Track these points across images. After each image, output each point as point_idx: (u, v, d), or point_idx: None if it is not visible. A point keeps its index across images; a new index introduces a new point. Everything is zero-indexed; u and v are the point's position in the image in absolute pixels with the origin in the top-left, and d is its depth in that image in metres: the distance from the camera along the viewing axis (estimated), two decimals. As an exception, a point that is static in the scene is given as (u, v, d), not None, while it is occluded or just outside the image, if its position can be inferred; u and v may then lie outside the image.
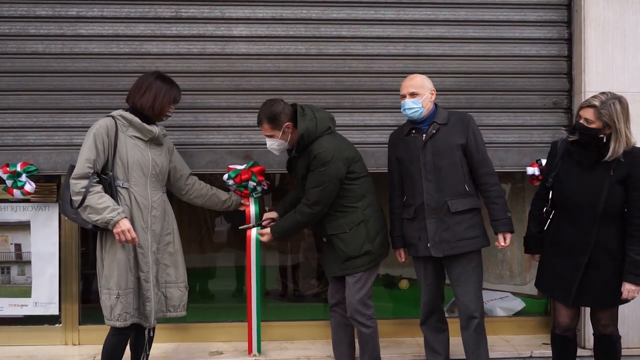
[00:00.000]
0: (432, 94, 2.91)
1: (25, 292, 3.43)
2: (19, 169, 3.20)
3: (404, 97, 2.89)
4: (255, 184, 3.25)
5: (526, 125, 3.54)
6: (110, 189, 2.69)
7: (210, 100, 3.42)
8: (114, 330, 2.75)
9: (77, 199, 2.63)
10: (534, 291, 3.82)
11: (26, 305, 3.42)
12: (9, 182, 3.21)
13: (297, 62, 3.45)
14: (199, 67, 3.40)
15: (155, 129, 2.81)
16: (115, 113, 2.78)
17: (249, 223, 3.27)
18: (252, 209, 3.28)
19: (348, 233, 2.89)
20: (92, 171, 2.65)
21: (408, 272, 4.33)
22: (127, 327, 2.72)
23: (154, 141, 2.83)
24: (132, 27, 3.38)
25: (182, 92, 3.33)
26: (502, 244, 2.87)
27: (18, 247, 3.44)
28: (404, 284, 4.38)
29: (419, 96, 2.86)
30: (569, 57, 3.56)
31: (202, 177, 3.26)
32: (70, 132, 3.33)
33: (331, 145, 2.86)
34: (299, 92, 3.43)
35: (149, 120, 2.81)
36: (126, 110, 2.81)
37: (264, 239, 3.06)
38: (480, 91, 3.53)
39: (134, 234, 2.65)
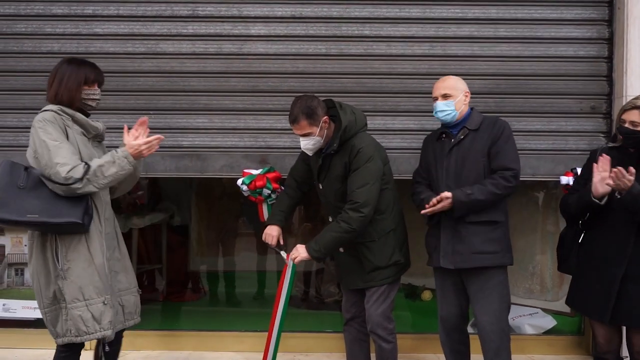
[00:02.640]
0: (466, 96, 2.71)
1: None
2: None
3: (435, 99, 2.71)
4: (269, 191, 3.13)
5: (561, 131, 3.31)
6: None
7: (226, 101, 3.31)
8: (63, 349, 2.44)
9: (78, 183, 2.28)
10: (566, 308, 3.58)
11: (39, 308, 3.37)
12: (21, 184, 3.16)
13: (316, 62, 3.31)
14: (215, 67, 3.31)
15: (99, 125, 2.51)
16: (55, 108, 2.37)
17: (263, 220, 3.15)
18: (265, 216, 3.16)
19: (377, 242, 2.69)
20: (83, 163, 2.31)
21: (431, 282, 4.14)
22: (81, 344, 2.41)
23: (97, 138, 2.53)
24: (148, 26, 3.31)
25: (198, 93, 3.31)
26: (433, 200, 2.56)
27: None
28: (426, 295, 4.19)
29: (452, 98, 2.67)
30: (610, 59, 3.31)
31: (216, 181, 3.15)
32: (85, 133, 3.27)
33: (371, 141, 2.71)
34: (319, 94, 3.18)
35: (85, 115, 2.49)
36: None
37: (297, 260, 2.70)
38: (511, 94, 3.31)
39: (151, 138, 2.40)
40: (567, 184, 3.20)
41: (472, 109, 2.75)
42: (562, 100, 3.31)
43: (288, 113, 3.24)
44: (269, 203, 3.18)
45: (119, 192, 2.64)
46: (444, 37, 3.31)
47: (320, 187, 2.80)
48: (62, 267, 2.36)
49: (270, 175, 3.16)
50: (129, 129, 2.43)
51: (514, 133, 3.18)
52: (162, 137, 2.46)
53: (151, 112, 3.28)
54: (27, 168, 2.35)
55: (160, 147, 3.23)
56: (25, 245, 3.40)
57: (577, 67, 3.31)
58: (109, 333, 2.41)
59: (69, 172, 2.27)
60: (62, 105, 2.40)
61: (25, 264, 3.42)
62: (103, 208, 2.46)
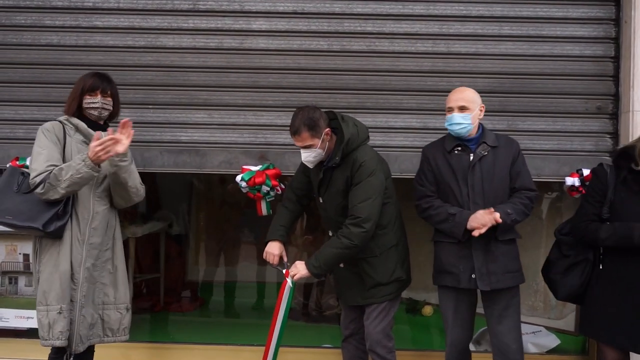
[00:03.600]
0: (481, 110, 2.64)
1: (31, 304, 3.20)
2: (28, 162, 3.11)
3: (450, 110, 2.61)
4: (268, 188, 3.08)
5: (566, 132, 3.24)
6: None
7: (226, 97, 3.26)
8: (52, 354, 2.49)
9: (40, 188, 2.35)
10: (570, 326, 3.50)
11: (32, 318, 3.27)
12: (18, 176, 3.13)
13: (318, 58, 3.26)
14: (216, 62, 3.26)
15: (100, 135, 2.50)
16: (61, 118, 2.54)
17: (261, 215, 3.10)
18: (264, 211, 3.11)
19: (379, 257, 2.61)
20: (52, 169, 2.39)
21: (433, 297, 4.08)
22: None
23: None
24: (149, 20, 3.27)
25: (197, 88, 3.27)
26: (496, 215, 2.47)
27: (26, 257, 3.34)
28: (427, 310, 4.12)
29: (469, 111, 2.58)
30: (616, 58, 3.24)
31: (215, 189, 3.09)
32: (83, 127, 3.23)
33: (374, 155, 2.63)
34: (320, 91, 3.25)
35: (100, 127, 2.56)
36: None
37: (297, 277, 2.60)
38: (515, 93, 3.25)
39: (105, 138, 2.35)
40: (573, 185, 3.15)
41: (481, 124, 2.67)
42: (567, 100, 3.25)
43: (288, 110, 3.24)
44: (268, 200, 3.14)
45: (120, 203, 2.61)
46: (448, 34, 3.26)
47: (321, 201, 2.71)
48: (38, 270, 2.45)
49: (270, 172, 3.11)
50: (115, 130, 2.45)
51: (519, 133, 3.18)
52: (117, 137, 2.39)
53: (150, 106, 3.25)
54: (24, 173, 2.50)
55: (159, 142, 3.28)
56: (20, 254, 3.36)
57: (583, 66, 3.25)
58: (57, 343, 2.40)
59: (34, 177, 2.38)
60: (71, 115, 2.52)
61: (18, 272, 3.38)
62: (89, 217, 2.48)
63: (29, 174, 2.45)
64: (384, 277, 2.62)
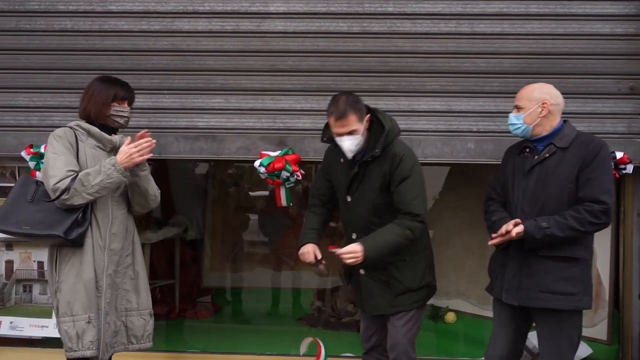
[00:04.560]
0: (543, 107, 2.35)
1: (46, 312, 3.25)
2: (42, 150, 3.06)
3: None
4: (288, 174, 2.98)
5: (597, 113, 3.11)
6: None
7: (243, 81, 3.18)
8: None
9: (64, 194, 2.28)
10: (602, 335, 3.33)
11: (47, 327, 3.24)
12: (31, 164, 3.08)
13: (338, 40, 3.16)
14: (232, 45, 3.17)
15: (115, 138, 2.48)
16: (72, 123, 2.45)
17: (280, 206, 3.01)
18: (283, 200, 3.03)
19: (408, 261, 2.47)
20: (74, 174, 2.32)
21: (455, 303, 3.94)
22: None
23: (115, 151, 2.46)
24: (163, 3, 3.19)
25: (214, 73, 3.20)
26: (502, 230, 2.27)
27: (41, 265, 3.28)
28: (450, 317, 3.94)
29: (523, 110, 2.39)
30: (649, 36, 3.11)
31: (229, 182, 2.98)
32: (97, 114, 3.16)
33: (409, 148, 2.50)
34: (340, 74, 3.16)
35: (112, 130, 2.49)
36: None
37: (352, 261, 2.34)
38: (544, 74, 3.10)
39: (141, 141, 2.35)
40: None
41: (564, 121, 2.40)
42: (598, 81, 3.11)
43: (308, 94, 3.18)
44: (287, 187, 3.05)
45: (138, 210, 2.57)
46: (472, 14, 3.14)
47: (349, 200, 2.51)
48: (58, 280, 2.38)
49: (290, 157, 3.02)
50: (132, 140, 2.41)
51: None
52: (154, 141, 2.40)
53: (165, 91, 3.17)
54: (37, 182, 2.44)
55: (175, 129, 3.20)
56: (34, 261, 3.31)
57: (614, 45, 3.11)
58: (88, 353, 2.35)
59: (56, 183, 2.30)
60: (88, 120, 2.45)
61: (32, 280, 3.33)
62: (109, 223, 2.43)
63: (42, 183, 2.39)
64: (413, 283, 2.48)
